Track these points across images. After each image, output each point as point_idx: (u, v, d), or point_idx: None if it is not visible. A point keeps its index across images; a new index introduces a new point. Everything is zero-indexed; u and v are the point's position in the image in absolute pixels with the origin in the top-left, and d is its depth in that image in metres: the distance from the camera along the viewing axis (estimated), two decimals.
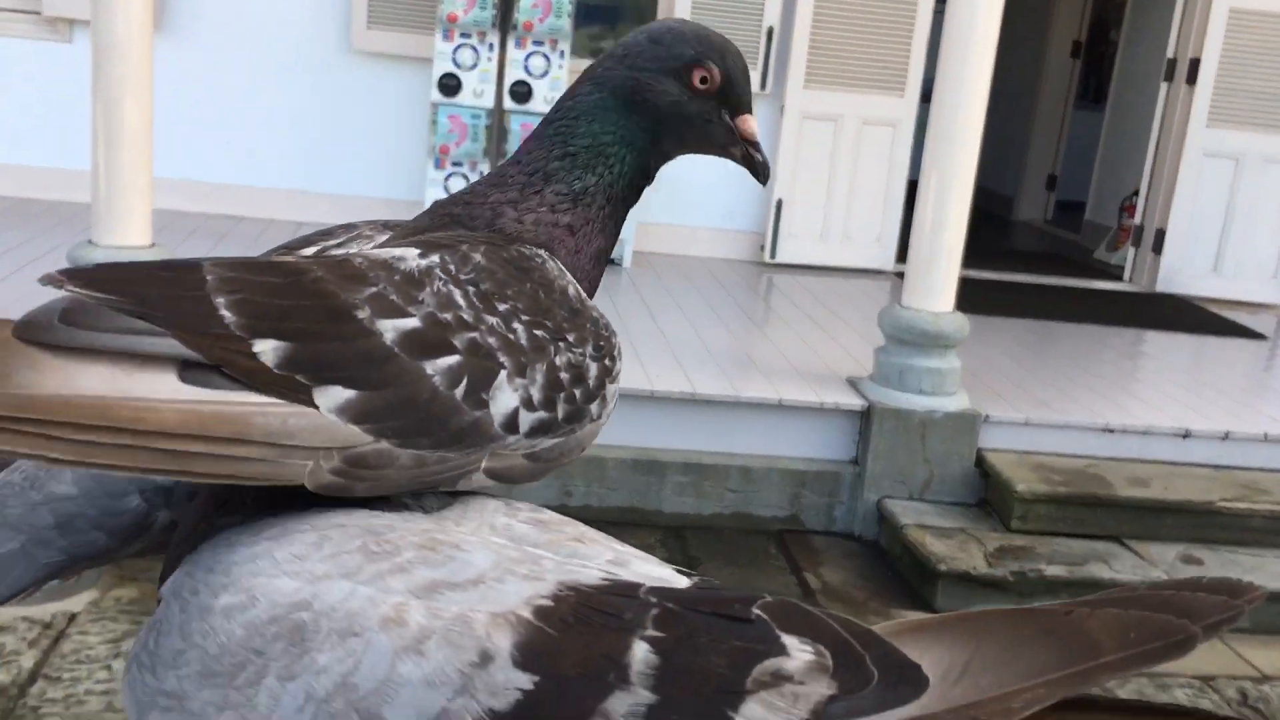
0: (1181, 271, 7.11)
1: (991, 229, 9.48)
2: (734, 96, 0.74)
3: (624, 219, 0.82)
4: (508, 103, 6.06)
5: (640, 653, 0.47)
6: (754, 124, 0.75)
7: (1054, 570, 4.01)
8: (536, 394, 0.69)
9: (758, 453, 4.56)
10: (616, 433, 4.51)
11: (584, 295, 0.77)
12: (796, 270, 6.81)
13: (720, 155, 0.79)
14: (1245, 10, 6.84)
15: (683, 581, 0.52)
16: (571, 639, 0.46)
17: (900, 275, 4.96)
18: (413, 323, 0.65)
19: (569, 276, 0.77)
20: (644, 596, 0.49)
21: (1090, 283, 7.39)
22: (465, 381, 0.64)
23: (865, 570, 4.27)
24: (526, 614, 0.47)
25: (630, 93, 0.74)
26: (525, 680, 0.45)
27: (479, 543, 0.51)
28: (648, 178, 0.79)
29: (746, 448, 4.56)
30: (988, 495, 4.49)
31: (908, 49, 6.67)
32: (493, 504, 0.57)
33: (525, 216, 0.78)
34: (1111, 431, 4.64)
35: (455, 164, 6.09)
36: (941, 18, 4.66)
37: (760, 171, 0.77)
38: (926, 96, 5.15)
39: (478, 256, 0.72)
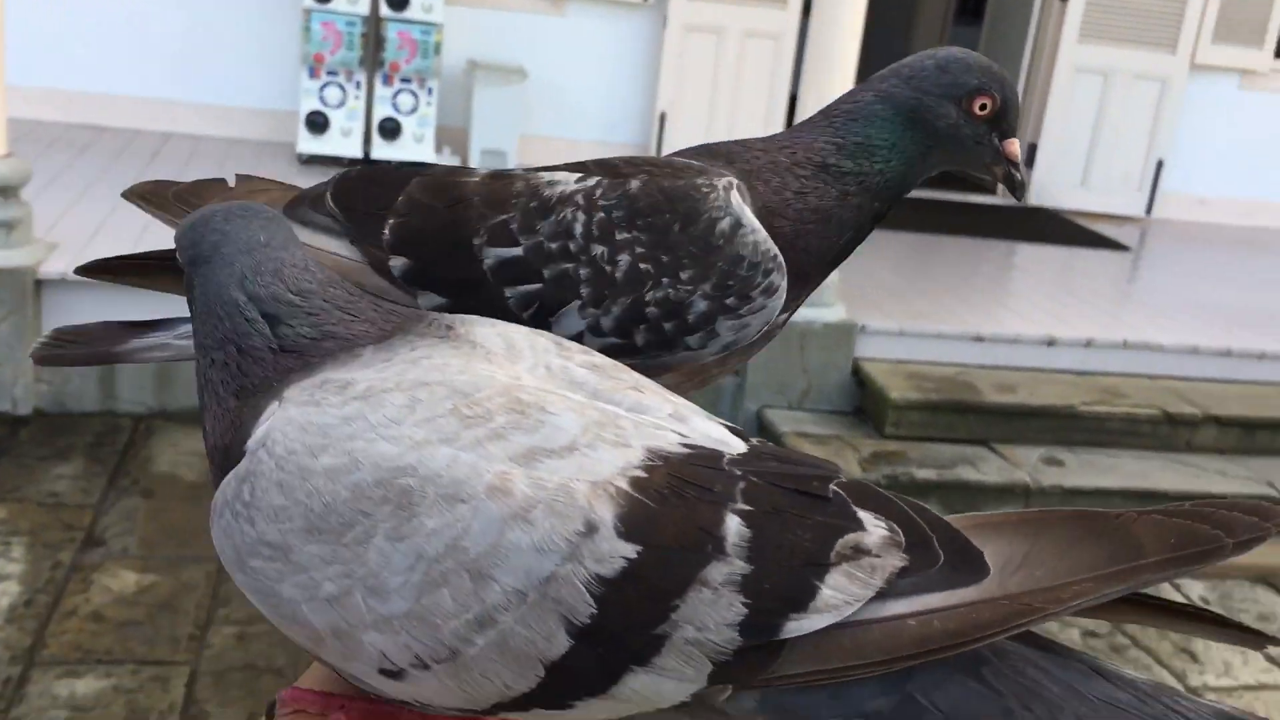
0: (1052, 185, 7.31)
1: None
2: (1005, 122, 0.79)
3: (867, 226, 0.83)
4: (384, 9, 5.89)
5: (733, 526, 0.49)
6: (1018, 147, 0.81)
7: (924, 473, 4.15)
8: (608, 322, 0.73)
9: None
10: None
11: (742, 232, 0.77)
12: None
13: (983, 173, 0.83)
14: None
15: (738, 443, 0.54)
16: (668, 511, 0.48)
17: None
18: (515, 252, 0.74)
19: (738, 212, 0.78)
20: (728, 469, 0.51)
21: (967, 197, 7.55)
22: (535, 306, 0.72)
23: None
24: (624, 485, 0.49)
25: (911, 111, 0.80)
26: (629, 549, 0.47)
27: (562, 404, 0.52)
28: (904, 189, 0.83)
29: None
30: (863, 403, 4.61)
31: None
32: (542, 341, 0.57)
33: (760, 156, 0.82)
34: (982, 340, 4.79)
35: (330, 73, 5.91)
36: None
37: (1018, 189, 0.81)
38: (809, 9, 5.16)
39: (634, 184, 0.77)
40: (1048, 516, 0.51)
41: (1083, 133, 7.25)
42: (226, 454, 0.53)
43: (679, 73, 6.69)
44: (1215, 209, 7.48)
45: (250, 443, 0.51)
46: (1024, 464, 4.24)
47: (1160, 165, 7.32)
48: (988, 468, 4.24)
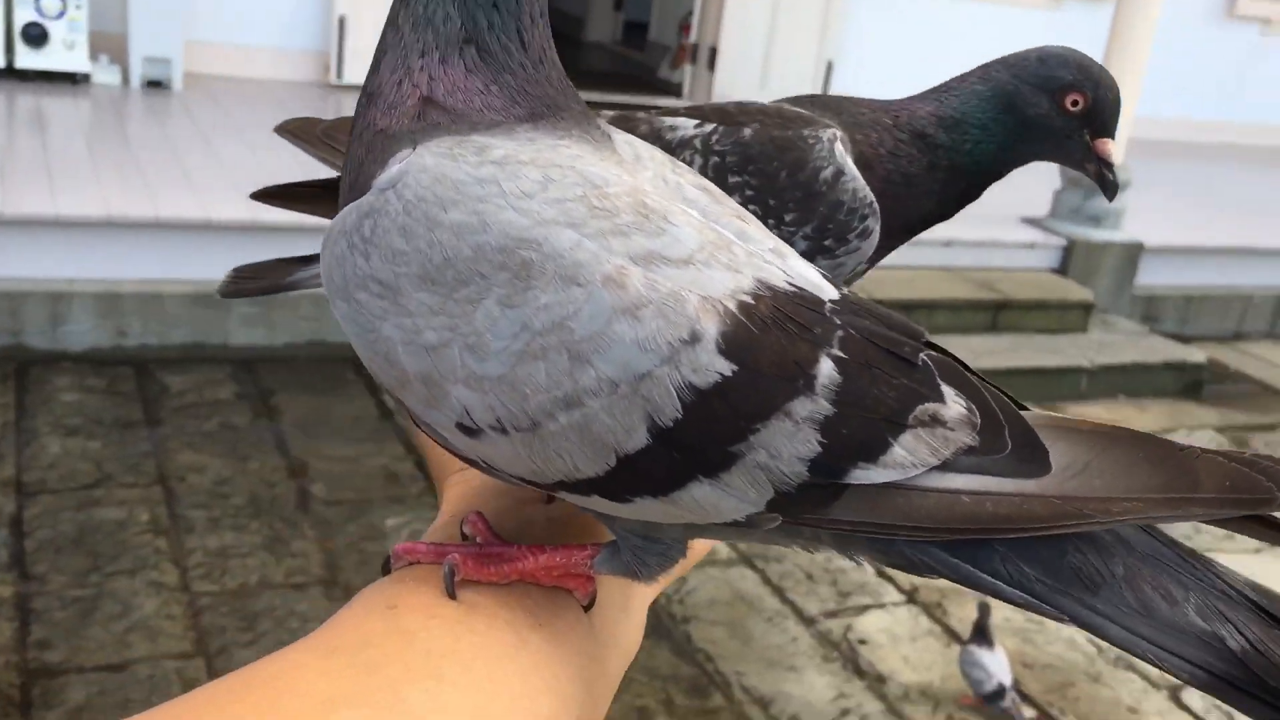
0: (734, 86, 7.55)
1: (563, 50, 9.55)
2: (1099, 122, 0.80)
3: (951, 203, 0.85)
4: None
5: (826, 368, 0.50)
6: (1113, 148, 0.80)
7: None
8: None
9: None
10: (172, 266, 4.24)
11: (843, 180, 0.80)
12: None
13: (1076, 168, 0.83)
14: None
15: (831, 289, 0.54)
16: (769, 340, 0.49)
17: None
18: None
19: (841, 162, 0.81)
20: (829, 315, 0.51)
21: (654, 99, 7.69)
22: None
23: None
24: (732, 306, 0.49)
25: (1007, 96, 0.82)
26: (725, 366, 0.48)
27: (683, 218, 0.51)
28: (993, 172, 0.84)
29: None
30: None
31: None
32: (660, 154, 0.57)
33: (865, 114, 0.85)
34: None
35: None
36: None
37: (1110, 189, 0.81)
38: None
39: (746, 131, 0.80)
40: (1118, 433, 0.52)
41: (759, 36, 7.50)
42: (353, 187, 0.53)
43: None
44: None
45: (381, 179, 0.51)
46: None
47: (830, 66, 7.70)
48: None
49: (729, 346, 0.48)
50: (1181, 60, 8.44)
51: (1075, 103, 0.81)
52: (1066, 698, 3.04)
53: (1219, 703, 2.69)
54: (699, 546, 0.65)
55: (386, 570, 0.57)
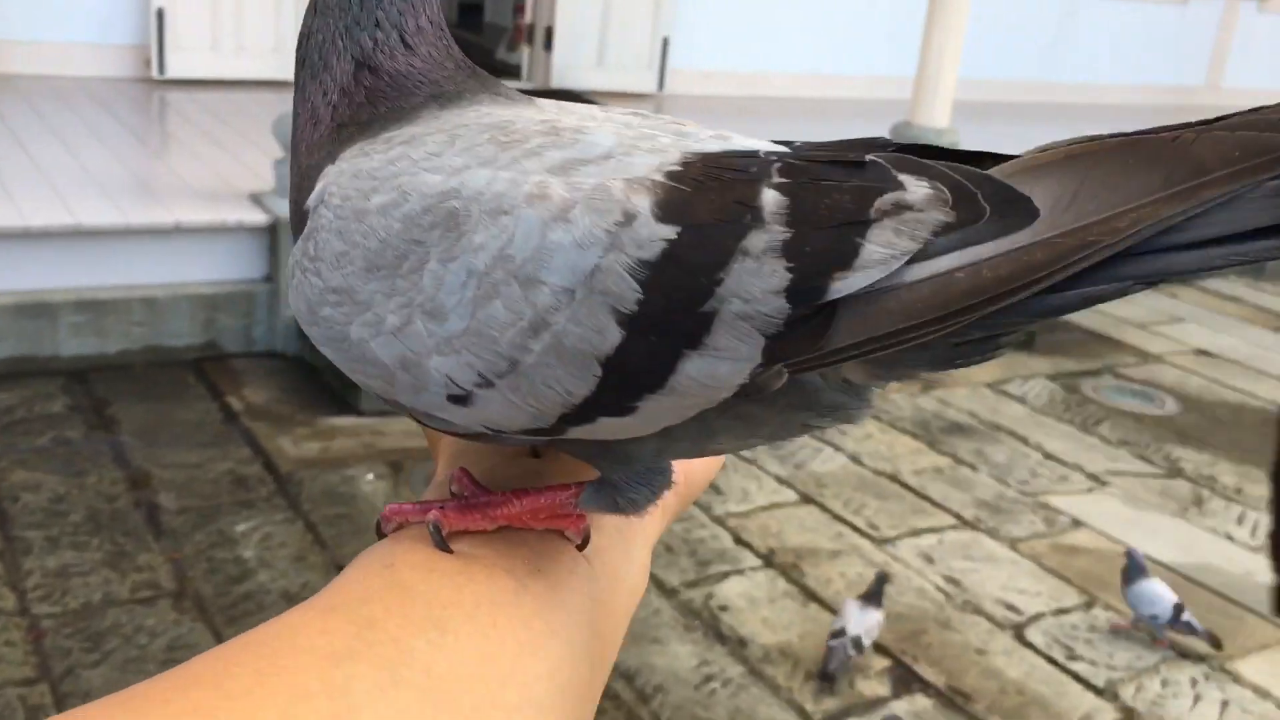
0: (572, 66, 7.54)
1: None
2: None
3: None
4: None
5: (770, 197, 0.48)
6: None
7: None
8: None
9: (162, 281, 4.31)
10: None
11: None
12: (190, 86, 6.37)
13: None
14: None
15: (781, 149, 0.52)
16: (704, 194, 0.48)
17: None
18: None
19: None
20: (764, 156, 0.50)
21: None
22: None
23: (290, 385, 4.25)
24: (659, 178, 0.49)
25: None
26: (668, 231, 0.48)
27: (598, 126, 0.52)
28: None
29: (149, 278, 4.30)
30: None
31: None
32: (591, 107, 0.57)
33: None
34: None
35: None
36: None
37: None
38: None
39: None
40: (1096, 149, 0.48)
41: (594, 15, 7.51)
42: (300, 223, 0.54)
43: None
44: (719, 82, 8.05)
45: (309, 201, 0.53)
46: None
47: (666, 42, 7.75)
48: None
49: (665, 212, 0.48)
50: (999, 22, 8.75)
51: None
52: (919, 645, 3.16)
53: (1058, 638, 2.83)
54: (696, 476, 0.64)
55: (380, 535, 0.56)
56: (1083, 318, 6.07)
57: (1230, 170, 0.45)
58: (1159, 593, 3.20)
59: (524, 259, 0.48)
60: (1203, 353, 5.77)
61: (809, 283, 0.47)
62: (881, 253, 0.47)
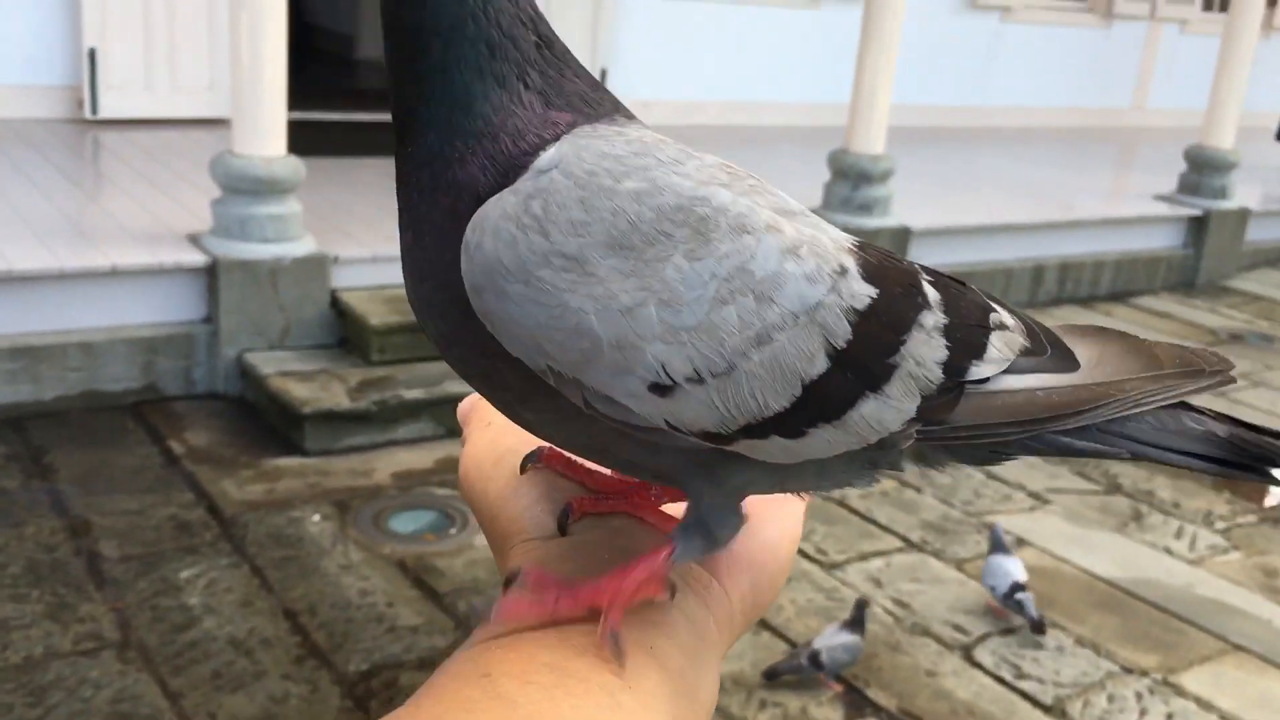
0: None
1: (333, 68, 9.40)
2: None
3: None
4: None
5: (928, 288, 0.58)
6: None
7: (413, 394, 4.22)
8: None
9: (99, 325, 4.25)
10: None
11: None
12: (124, 126, 6.30)
13: None
14: None
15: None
16: (886, 269, 0.57)
17: (232, 117, 4.76)
18: None
19: None
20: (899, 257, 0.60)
21: None
22: None
23: (232, 427, 4.21)
24: (851, 245, 0.57)
25: None
26: (871, 290, 0.55)
27: (779, 191, 0.59)
28: None
29: (85, 322, 4.23)
30: (347, 333, 4.58)
31: None
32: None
33: None
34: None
35: None
36: None
37: None
38: None
39: None
40: (1108, 333, 0.64)
41: None
42: (476, 198, 0.52)
43: (103, 3, 6.12)
44: (658, 111, 8.11)
45: (539, 163, 0.53)
46: None
47: (604, 73, 7.80)
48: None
49: (867, 275, 0.56)
50: (930, 50, 8.92)
51: None
52: (870, 668, 3.19)
53: (1005, 657, 2.85)
54: (763, 595, 0.66)
55: (473, 621, 0.58)
56: None
57: (1180, 370, 0.62)
58: (1006, 569, 3.43)
59: (763, 277, 0.53)
60: None
61: (959, 362, 0.58)
62: (998, 354, 0.60)
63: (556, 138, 0.54)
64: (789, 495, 0.65)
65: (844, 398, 0.55)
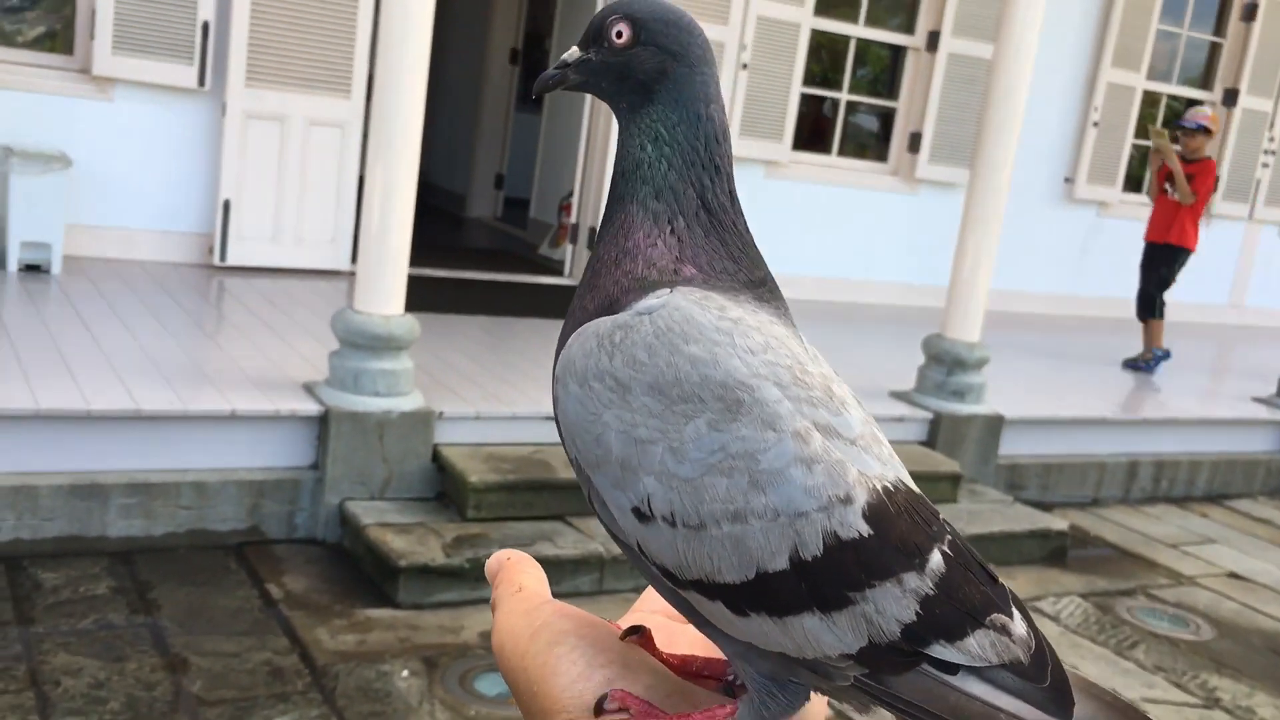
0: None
1: (446, 226, 9.80)
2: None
3: None
4: None
5: (936, 558, 0.59)
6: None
7: None
8: None
9: (212, 466, 4.42)
10: (48, 457, 4.16)
11: None
12: (249, 273, 6.63)
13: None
14: None
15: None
16: (900, 521, 0.59)
17: (356, 275, 5.01)
18: None
19: None
20: (942, 522, 0.61)
21: (536, 278, 7.89)
22: None
23: (329, 574, 4.30)
24: (878, 486, 0.60)
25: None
26: (865, 528, 0.58)
27: (854, 409, 0.62)
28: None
29: (199, 462, 4.41)
30: (445, 488, 4.69)
31: (351, 51, 6.71)
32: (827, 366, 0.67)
33: None
34: (553, 419, 5.01)
35: None
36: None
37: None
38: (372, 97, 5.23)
39: None
40: (1134, 713, 0.61)
41: None
42: (610, 304, 0.64)
43: (241, 160, 6.53)
44: None
45: (640, 305, 0.62)
46: (597, 535, 4.48)
47: None
48: (564, 541, 4.44)
49: (870, 515, 0.58)
50: (1027, 239, 9.05)
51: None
52: None
53: None
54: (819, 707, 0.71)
55: (599, 711, 0.62)
56: (1113, 534, 6.08)
57: None
58: None
59: (764, 469, 0.58)
60: (1235, 576, 5.74)
61: (922, 632, 0.58)
62: (975, 650, 0.59)
63: (673, 286, 0.63)
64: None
65: (790, 602, 0.57)
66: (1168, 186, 7.81)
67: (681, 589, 0.60)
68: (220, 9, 6.39)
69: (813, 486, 0.58)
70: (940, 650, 0.58)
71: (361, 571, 4.32)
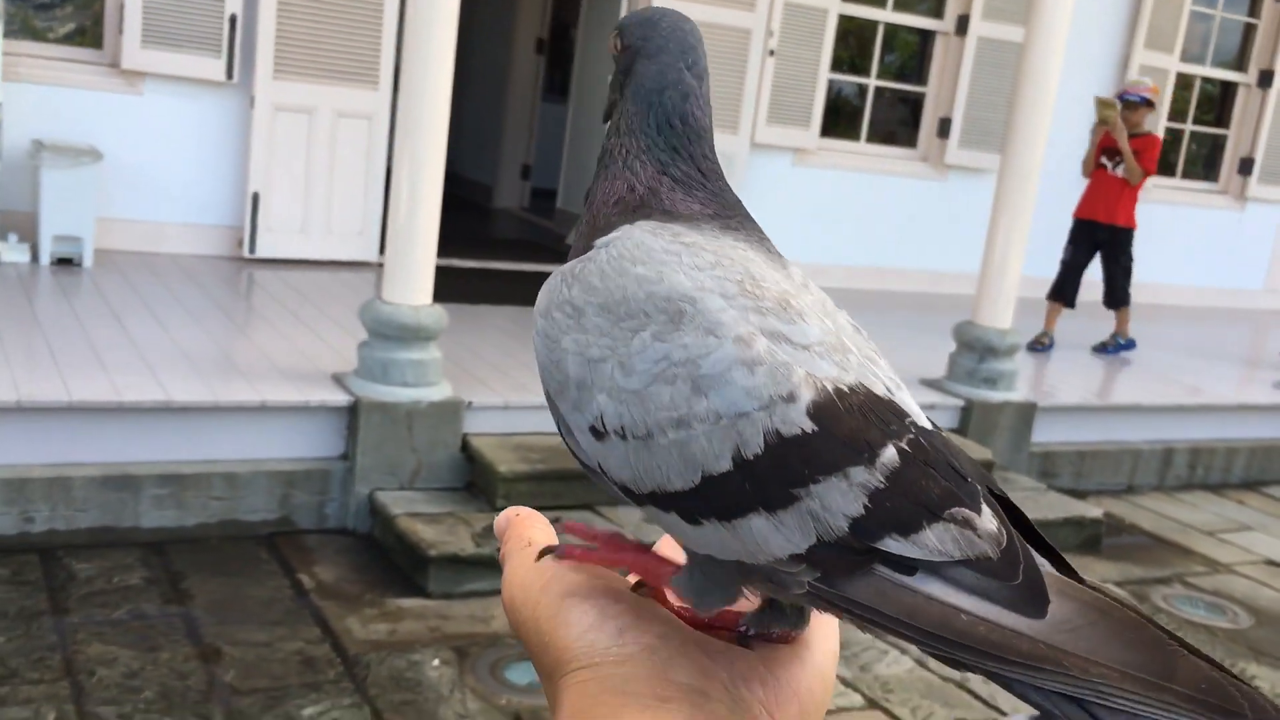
0: None
1: (473, 217, 9.81)
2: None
3: None
4: None
5: (889, 454, 0.57)
6: None
7: None
8: None
9: (243, 457, 4.44)
10: (81, 448, 4.19)
11: None
12: (278, 265, 6.66)
13: None
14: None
15: (927, 424, 0.61)
16: (850, 419, 0.58)
17: (384, 266, 5.02)
18: None
19: None
20: (908, 425, 0.59)
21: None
22: None
23: (359, 563, 4.32)
24: (829, 387, 0.59)
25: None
26: (809, 425, 0.57)
27: (816, 321, 0.62)
28: None
29: (230, 453, 4.43)
30: (474, 478, 4.69)
31: (378, 42, 6.72)
32: (830, 302, 0.66)
33: None
34: None
35: None
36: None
37: None
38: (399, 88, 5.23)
39: None
40: (1115, 609, 0.56)
41: None
42: (579, 250, 0.66)
43: (270, 153, 6.56)
44: None
45: (599, 241, 0.65)
46: (627, 523, 4.47)
47: None
48: None
49: (816, 412, 0.58)
50: (1060, 224, 8.95)
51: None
52: None
53: None
54: (827, 667, 0.68)
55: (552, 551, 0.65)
56: (1148, 521, 6.01)
57: (1191, 693, 0.52)
58: None
59: (705, 373, 0.58)
60: (1273, 563, 5.67)
61: (872, 526, 0.56)
62: (934, 542, 0.55)
63: (633, 220, 0.67)
64: (824, 616, 0.63)
65: (736, 504, 0.57)
66: (1105, 161, 7.55)
67: (640, 505, 0.61)
68: (248, 1, 6.41)
69: (753, 387, 0.58)
70: (893, 544, 0.55)
71: (392, 561, 4.33)
